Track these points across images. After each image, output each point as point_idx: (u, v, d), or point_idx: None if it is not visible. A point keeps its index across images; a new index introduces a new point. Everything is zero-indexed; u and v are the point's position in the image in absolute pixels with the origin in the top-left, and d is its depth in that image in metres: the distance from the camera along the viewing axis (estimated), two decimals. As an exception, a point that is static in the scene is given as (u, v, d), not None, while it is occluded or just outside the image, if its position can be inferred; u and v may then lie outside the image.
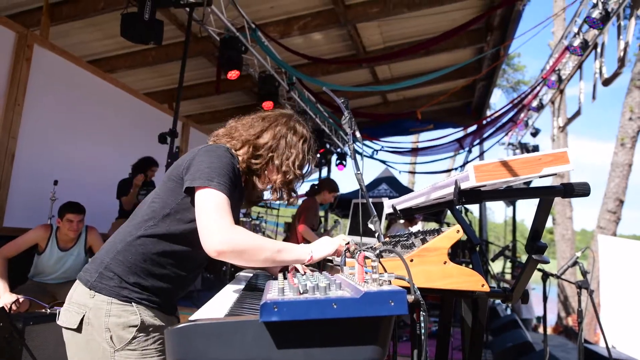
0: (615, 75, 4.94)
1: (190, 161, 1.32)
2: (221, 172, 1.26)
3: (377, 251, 0.98)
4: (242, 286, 1.52)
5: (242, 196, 1.50)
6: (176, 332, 0.88)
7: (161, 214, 1.33)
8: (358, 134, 1.50)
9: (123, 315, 1.25)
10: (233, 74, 4.92)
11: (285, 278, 1.16)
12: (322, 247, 1.30)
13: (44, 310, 2.95)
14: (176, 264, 1.35)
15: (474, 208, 10.52)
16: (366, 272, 0.94)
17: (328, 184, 4.93)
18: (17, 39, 4.51)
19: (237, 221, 1.58)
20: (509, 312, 6.60)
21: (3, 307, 2.80)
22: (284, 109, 1.63)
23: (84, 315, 1.25)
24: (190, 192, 1.27)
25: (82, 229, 3.59)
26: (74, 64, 5.24)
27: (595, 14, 4.39)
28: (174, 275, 1.35)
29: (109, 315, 1.24)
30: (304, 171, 1.52)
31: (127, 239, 1.32)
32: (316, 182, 5.09)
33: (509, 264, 9.26)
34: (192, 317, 0.95)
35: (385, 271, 0.96)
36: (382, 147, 9.01)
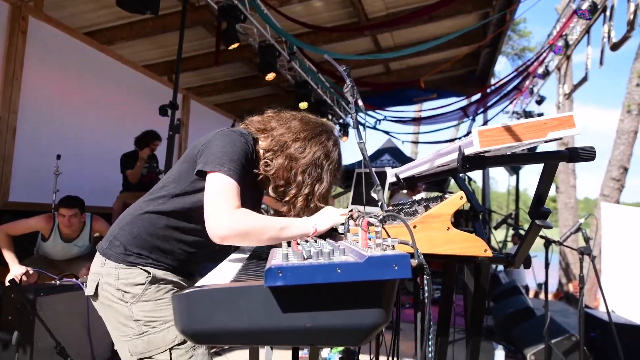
0: (624, 39, 4.81)
1: (206, 144, 1.33)
2: (233, 157, 1.27)
3: (381, 217, 0.98)
4: (246, 255, 1.54)
5: (257, 183, 1.46)
6: (182, 298, 0.90)
7: (172, 193, 1.37)
8: (360, 103, 1.48)
9: (130, 277, 1.33)
10: (233, 46, 4.84)
11: (289, 245, 1.17)
12: (325, 217, 1.30)
13: (53, 282, 3.01)
14: (181, 239, 1.39)
15: (477, 177, 10.52)
16: (370, 238, 0.94)
17: None
18: (11, 10, 4.41)
19: (253, 207, 1.60)
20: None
21: (14, 279, 2.86)
22: (325, 121, 1.55)
23: (98, 282, 1.35)
24: (202, 175, 1.29)
25: (87, 219, 3.55)
26: (70, 36, 5.15)
27: (605, -26, 4.24)
28: (180, 251, 1.39)
29: (118, 278, 1.33)
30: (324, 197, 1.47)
31: (136, 213, 1.39)
32: None
33: (511, 232, 9.32)
34: (197, 284, 0.96)
35: (389, 236, 0.97)
36: (385, 117, 8.93)
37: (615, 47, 4.94)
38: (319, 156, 1.41)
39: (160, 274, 1.36)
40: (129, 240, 1.36)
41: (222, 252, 1.37)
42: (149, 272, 1.33)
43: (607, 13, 5.07)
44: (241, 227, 1.17)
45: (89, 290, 1.38)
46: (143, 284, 1.32)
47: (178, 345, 1.29)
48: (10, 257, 3.11)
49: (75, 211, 3.40)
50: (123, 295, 1.31)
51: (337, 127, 9.87)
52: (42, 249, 3.53)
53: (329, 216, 1.30)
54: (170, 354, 1.28)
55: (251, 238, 1.19)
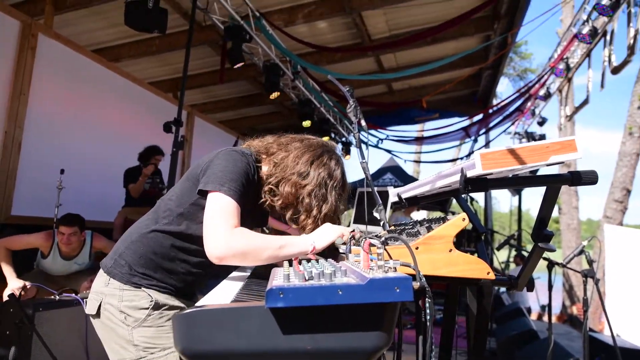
0: (625, 63, 4.86)
1: (208, 163, 1.34)
2: (233, 177, 1.27)
3: (383, 238, 0.98)
4: (247, 274, 1.53)
5: (258, 203, 1.44)
6: (183, 318, 0.89)
7: (176, 212, 1.37)
8: (363, 123, 1.49)
9: (134, 299, 1.32)
10: (238, 65, 4.91)
11: (290, 265, 1.16)
12: (323, 235, 1.28)
13: (52, 297, 2.99)
14: (186, 260, 1.39)
15: (479, 197, 10.50)
16: (371, 260, 0.94)
17: None
18: (22, 28, 4.50)
19: (256, 226, 1.59)
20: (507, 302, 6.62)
21: (12, 294, 2.84)
22: (322, 141, 1.53)
23: (101, 302, 1.34)
24: (203, 194, 1.29)
25: (87, 236, 3.53)
26: (78, 53, 5.23)
27: (605, 0, 4.31)
28: (183, 270, 1.39)
29: (122, 300, 1.32)
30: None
31: (142, 231, 1.39)
32: None
33: (514, 253, 9.25)
34: (198, 303, 0.96)
35: (391, 258, 0.97)
36: (387, 136, 8.97)
37: (615, 70, 4.99)
38: (323, 177, 1.40)
39: (163, 298, 1.35)
40: (135, 259, 1.35)
41: (224, 268, 1.36)
42: (151, 296, 1.32)
43: (608, 37, 5.14)
44: (239, 247, 1.16)
45: (90, 309, 1.37)
46: (147, 309, 1.31)
47: None
48: (8, 271, 3.08)
49: (74, 229, 3.37)
50: (126, 318, 1.31)
51: (340, 146, 9.92)
52: (41, 265, 3.50)
53: (327, 234, 1.28)
54: None
55: (250, 258, 1.18)
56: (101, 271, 1.39)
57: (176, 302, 1.38)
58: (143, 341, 1.29)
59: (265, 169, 1.44)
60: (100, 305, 1.34)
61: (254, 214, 1.47)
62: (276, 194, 1.40)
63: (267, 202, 1.41)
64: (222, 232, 1.18)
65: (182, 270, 1.39)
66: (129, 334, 1.29)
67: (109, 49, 6.06)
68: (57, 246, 3.43)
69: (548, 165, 1.17)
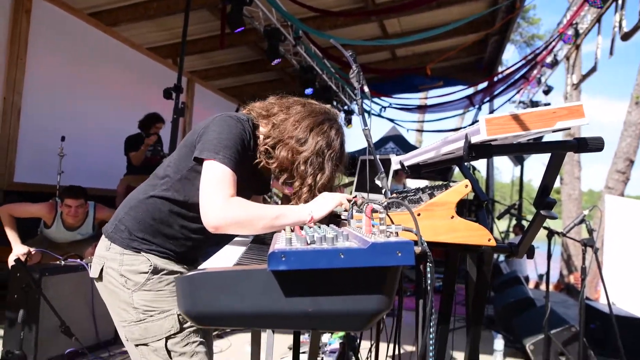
0: (636, 29, 4.72)
1: (204, 129, 1.33)
2: (228, 144, 1.26)
3: (385, 203, 0.98)
4: (249, 239, 1.54)
5: (254, 165, 1.43)
6: (185, 280, 0.90)
7: (174, 179, 1.37)
8: (366, 89, 1.46)
9: (134, 263, 1.34)
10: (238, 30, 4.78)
11: (292, 230, 1.17)
12: (322, 204, 1.28)
13: (58, 262, 3.04)
14: (184, 226, 1.39)
15: (481, 167, 10.47)
16: (373, 225, 0.94)
17: None
18: (16, -11, 4.38)
19: (255, 192, 1.59)
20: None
21: (19, 259, 2.88)
22: (327, 106, 1.50)
23: (103, 265, 1.36)
24: (199, 161, 1.29)
25: (90, 208, 3.56)
26: (75, 16, 5.11)
27: (619, -38, 4.15)
28: (182, 236, 1.40)
29: (122, 264, 1.34)
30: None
31: (140, 196, 1.40)
32: None
33: (514, 223, 9.32)
34: (200, 267, 0.97)
35: (393, 223, 0.96)
36: (390, 104, 8.87)
37: (626, 37, 4.86)
38: (321, 146, 1.38)
39: (162, 263, 1.36)
40: (134, 224, 1.36)
41: (225, 236, 1.37)
42: (150, 261, 1.34)
43: (619, 1, 4.97)
44: (235, 217, 1.17)
45: (93, 273, 1.39)
46: (146, 273, 1.33)
47: (174, 334, 1.31)
48: (13, 237, 3.13)
49: (81, 202, 3.42)
50: (126, 281, 1.33)
51: (342, 114, 9.82)
52: (45, 233, 3.55)
53: (326, 203, 1.28)
54: (166, 342, 1.30)
55: (246, 227, 1.19)
56: (103, 236, 1.41)
57: (176, 267, 1.39)
58: (142, 304, 1.31)
59: (263, 130, 1.42)
60: (102, 269, 1.36)
61: (253, 181, 1.47)
62: (272, 156, 1.38)
63: (262, 163, 1.39)
64: (219, 201, 1.18)
65: (181, 235, 1.39)
66: (129, 297, 1.32)
67: (106, 12, 5.90)
68: (61, 217, 3.46)
69: (554, 131, 1.14)
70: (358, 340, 3.02)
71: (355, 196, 1.28)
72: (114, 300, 1.35)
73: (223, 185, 1.21)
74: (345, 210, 1.30)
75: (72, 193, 3.39)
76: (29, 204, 3.45)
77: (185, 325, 1.33)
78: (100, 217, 3.61)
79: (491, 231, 1.22)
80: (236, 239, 1.56)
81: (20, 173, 4.51)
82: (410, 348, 3.51)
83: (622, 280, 6.09)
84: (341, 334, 3.29)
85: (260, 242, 1.50)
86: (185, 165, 1.36)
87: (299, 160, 1.36)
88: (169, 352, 1.30)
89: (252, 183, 1.48)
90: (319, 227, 1.11)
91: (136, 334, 1.31)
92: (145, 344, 1.30)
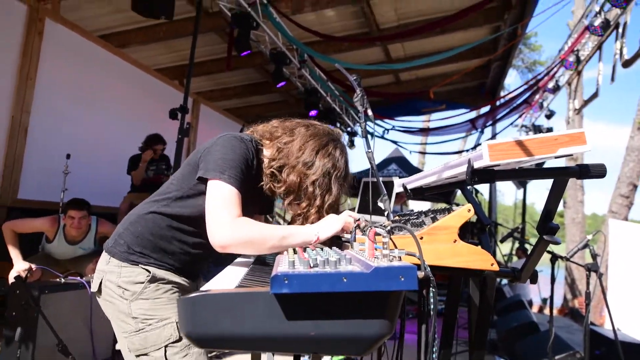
0: (637, 56, 4.79)
1: (208, 149, 1.35)
2: (233, 165, 1.28)
3: (388, 227, 0.98)
4: (251, 260, 1.54)
5: (259, 188, 1.44)
6: (186, 302, 0.90)
7: (174, 196, 1.39)
8: (370, 112, 1.48)
9: (132, 275, 1.36)
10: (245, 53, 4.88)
11: (295, 252, 1.17)
12: (328, 226, 1.29)
13: (58, 279, 3.03)
14: (183, 241, 1.41)
15: (484, 190, 10.46)
16: (376, 248, 0.94)
17: None
18: (29, 12, 4.50)
19: (258, 212, 1.62)
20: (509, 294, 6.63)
21: (19, 276, 2.88)
22: (329, 127, 1.53)
23: (102, 279, 1.39)
24: (203, 181, 1.30)
25: (92, 222, 3.58)
26: (85, 38, 5.23)
27: (618, -9, 4.23)
28: (181, 251, 1.41)
29: (120, 276, 1.36)
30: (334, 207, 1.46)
31: (140, 212, 1.42)
32: None
33: (517, 246, 9.24)
34: (203, 288, 0.97)
35: (396, 247, 0.97)
36: (393, 126, 8.93)
37: (627, 64, 4.92)
38: (327, 167, 1.40)
39: (161, 273, 1.38)
40: (132, 239, 1.38)
41: (227, 255, 1.38)
42: (149, 271, 1.35)
43: (620, 30, 5.06)
44: (242, 237, 1.18)
45: (93, 287, 1.42)
46: (142, 283, 1.34)
47: (173, 343, 1.31)
48: (14, 253, 3.13)
49: (84, 213, 3.44)
50: (123, 292, 1.34)
51: (345, 136, 9.88)
52: (46, 249, 3.55)
53: (332, 224, 1.29)
54: (165, 351, 1.30)
55: (253, 247, 1.20)
56: (104, 251, 1.44)
57: (175, 278, 1.40)
58: (141, 313, 1.32)
59: (267, 152, 1.44)
60: (101, 283, 1.38)
61: (256, 201, 1.48)
62: (279, 179, 1.40)
63: (268, 186, 1.41)
64: (226, 221, 1.20)
65: (180, 250, 1.41)
66: (128, 307, 1.33)
67: (116, 34, 6.04)
68: (63, 231, 3.46)
69: (556, 157, 1.16)
70: (359, 365, 2.96)
71: (359, 219, 1.28)
72: (114, 312, 1.37)
73: (230, 205, 1.22)
74: (348, 233, 1.31)
75: (75, 205, 3.43)
76: (32, 219, 3.46)
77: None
78: (103, 231, 3.62)
79: (494, 255, 1.22)
80: (238, 259, 1.56)
81: (24, 190, 4.54)
82: (412, 374, 3.43)
83: (627, 305, 6.00)
84: (342, 358, 3.24)
85: (262, 263, 1.49)
86: (188, 184, 1.38)
87: (306, 183, 1.38)
88: (167, 359, 1.30)
89: (255, 202, 1.49)
90: (322, 249, 1.12)
91: (137, 344, 1.31)
92: (146, 354, 1.31)
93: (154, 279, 1.35)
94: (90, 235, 3.58)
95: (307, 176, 1.38)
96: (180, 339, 1.32)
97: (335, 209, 1.42)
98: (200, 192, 1.34)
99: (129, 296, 1.33)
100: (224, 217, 1.20)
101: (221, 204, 1.22)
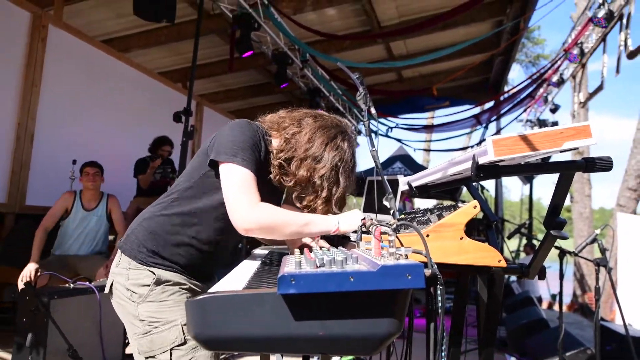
0: (641, 47, 4.75)
1: (217, 135, 1.37)
2: (244, 147, 1.29)
3: (394, 226, 0.98)
4: (258, 262, 1.54)
5: (268, 179, 1.44)
6: (194, 304, 0.90)
7: (184, 187, 1.39)
8: (373, 111, 1.47)
9: (139, 277, 1.36)
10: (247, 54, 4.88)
11: (302, 253, 1.17)
12: (349, 219, 1.29)
13: (67, 284, 3.05)
14: (196, 237, 1.39)
15: (490, 186, 10.42)
16: (382, 247, 0.94)
17: None
18: (32, 19, 4.52)
19: (268, 194, 1.61)
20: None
21: (29, 282, 2.91)
22: (336, 118, 1.52)
23: (113, 281, 1.39)
24: (214, 165, 1.31)
25: (104, 196, 3.89)
26: (88, 44, 5.25)
27: (622, -18, 4.20)
28: (193, 247, 1.40)
29: (128, 278, 1.36)
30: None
31: (155, 211, 1.43)
32: None
33: (524, 242, 9.20)
34: (210, 290, 0.97)
35: (402, 246, 0.96)
36: (397, 124, 8.90)
37: (632, 55, 4.87)
38: (336, 161, 1.40)
39: (168, 275, 1.36)
40: (145, 235, 1.38)
41: (234, 256, 1.38)
42: (154, 274, 1.35)
43: (624, 21, 5.01)
44: (265, 221, 1.21)
45: (106, 289, 1.43)
46: (149, 285, 1.34)
47: (179, 345, 1.31)
48: (36, 254, 3.33)
49: (97, 170, 3.81)
50: (131, 295, 1.35)
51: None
52: (61, 235, 3.73)
53: (353, 219, 1.29)
54: (171, 354, 1.30)
55: (274, 232, 1.23)
56: (118, 250, 1.45)
57: (182, 280, 1.39)
58: (148, 316, 1.33)
59: (275, 143, 1.43)
60: (112, 284, 1.39)
61: (264, 188, 1.45)
62: (287, 172, 1.39)
63: (277, 178, 1.40)
64: (246, 204, 1.22)
65: (192, 245, 1.39)
66: (135, 310, 1.33)
67: (119, 39, 6.07)
68: (80, 197, 3.78)
69: (562, 151, 1.15)
70: (368, 364, 2.96)
71: (364, 218, 1.28)
72: (124, 314, 1.38)
73: (248, 188, 1.24)
74: (354, 232, 1.31)
75: (89, 163, 3.85)
76: (52, 207, 3.71)
77: (188, 337, 1.32)
78: (111, 206, 3.89)
79: (501, 251, 1.21)
80: (245, 261, 1.56)
81: (32, 196, 4.57)
82: (421, 372, 3.43)
83: (638, 299, 5.94)
84: (351, 357, 3.23)
85: (270, 264, 1.50)
86: (198, 173, 1.38)
87: (315, 177, 1.38)
88: None
89: (263, 191, 1.49)
90: (328, 249, 1.11)
91: (145, 347, 1.32)
92: (153, 357, 1.31)
93: (159, 282, 1.35)
94: (102, 203, 3.86)
95: (316, 170, 1.38)
96: (185, 342, 1.32)
97: (342, 201, 1.42)
98: (212, 180, 1.34)
99: (137, 299, 1.34)
100: (244, 201, 1.22)
101: (238, 188, 1.24)
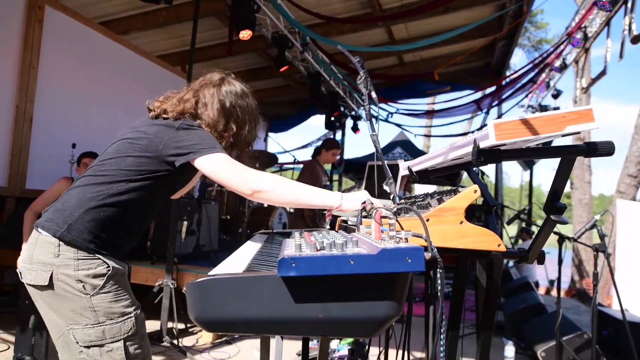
0: (646, 32, 4.69)
1: (172, 140, 1.40)
2: (216, 143, 1.42)
3: (394, 209, 0.98)
4: (259, 245, 1.55)
5: None
6: (195, 287, 0.90)
7: (124, 180, 1.40)
8: (374, 95, 1.46)
9: (91, 267, 1.33)
10: (245, 34, 4.79)
11: (301, 236, 1.17)
12: (353, 199, 1.32)
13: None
14: (138, 223, 1.48)
15: (490, 172, 10.40)
16: (383, 231, 0.94)
17: (325, 143, 4.97)
18: (28, 0, 4.46)
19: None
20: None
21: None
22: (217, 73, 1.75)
23: (52, 272, 1.31)
24: (185, 166, 1.38)
25: None
26: (86, 25, 5.19)
27: (628, -35, 4.12)
28: (132, 233, 1.48)
29: (78, 269, 1.31)
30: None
31: (94, 197, 1.38)
32: None
33: (523, 227, 9.23)
34: (210, 273, 0.97)
35: (402, 229, 0.96)
36: (398, 109, 8.85)
37: (636, 40, 4.82)
38: (233, 102, 1.61)
39: (114, 263, 1.38)
40: (90, 224, 1.34)
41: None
42: (107, 264, 1.35)
43: (629, 4, 4.94)
44: (272, 183, 1.32)
45: (39, 280, 1.32)
46: (104, 275, 1.33)
47: (132, 335, 1.35)
48: (26, 238, 3.21)
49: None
50: (84, 286, 1.30)
51: (350, 120, 9.81)
52: None
53: (357, 199, 1.32)
54: (125, 342, 1.33)
55: (281, 195, 1.32)
56: (45, 238, 1.34)
57: (120, 266, 1.40)
58: (102, 307, 1.32)
59: (205, 119, 1.56)
60: (52, 276, 1.30)
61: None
62: (222, 135, 1.56)
63: (223, 143, 1.54)
64: (249, 172, 1.34)
65: (130, 233, 1.46)
66: (88, 301, 1.31)
67: (116, 21, 5.98)
68: None
69: (564, 135, 1.14)
70: (367, 347, 3.00)
71: (365, 202, 1.28)
72: (66, 306, 1.31)
73: (239, 164, 1.36)
74: (355, 216, 1.31)
75: (88, 153, 3.73)
76: (46, 190, 3.54)
77: (138, 326, 1.37)
78: None
79: (501, 236, 1.21)
80: (245, 244, 1.57)
81: (31, 180, 4.57)
82: (419, 354, 3.48)
83: (635, 285, 5.99)
84: (350, 340, 3.27)
85: (270, 247, 1.50)
86: (147, 170, 1.41)
87: (227, 124, 1.58)
88: (126, 351, 1.32)
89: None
90: (328, 232, 1.11)
91: (92, 336, 1.30)
92: (101, 345, 1.31)
93: (113, 271, 1.35)
94: None
95: (221, 112, 1.56)
96: (137, 332, 1.36)
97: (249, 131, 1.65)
98: (161, 176, 1.42)
99: (90, 290, 1.31)
100: (244, 171, 1.34)
101: (233, 165, 1.35)
